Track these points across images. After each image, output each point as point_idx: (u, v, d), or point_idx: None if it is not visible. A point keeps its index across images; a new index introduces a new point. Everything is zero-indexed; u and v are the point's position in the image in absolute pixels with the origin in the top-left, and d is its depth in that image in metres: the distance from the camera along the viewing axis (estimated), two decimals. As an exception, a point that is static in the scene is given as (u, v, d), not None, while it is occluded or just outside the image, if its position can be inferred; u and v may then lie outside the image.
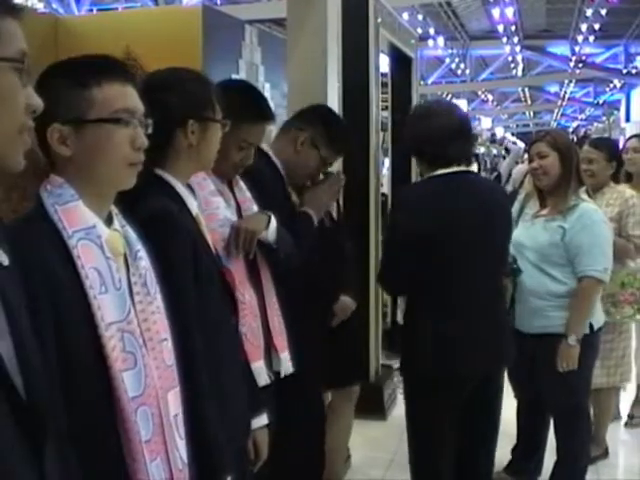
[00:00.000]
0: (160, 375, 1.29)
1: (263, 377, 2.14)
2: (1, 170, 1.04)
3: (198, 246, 1.71)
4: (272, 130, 2.80)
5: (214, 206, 2.03)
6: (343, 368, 3.18)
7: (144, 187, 1.58)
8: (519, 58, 27.36)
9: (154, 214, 1.64)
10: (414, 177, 5.31)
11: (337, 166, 3.44)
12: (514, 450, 3.63)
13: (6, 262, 1.03)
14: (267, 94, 4.41)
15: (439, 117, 2.71)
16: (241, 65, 4.27)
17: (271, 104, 2.38)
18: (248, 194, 2.26)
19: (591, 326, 3.16)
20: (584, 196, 3.21)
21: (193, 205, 1.79)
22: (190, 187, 1.85)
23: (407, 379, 2.83)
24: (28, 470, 0.95)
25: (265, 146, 2.64)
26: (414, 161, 5.17)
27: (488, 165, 17.08)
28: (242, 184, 2.26)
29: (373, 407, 4.32)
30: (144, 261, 1.35)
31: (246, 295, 2.09)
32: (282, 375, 2.27)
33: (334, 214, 3.14)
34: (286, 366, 2.27)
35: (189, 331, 1.63)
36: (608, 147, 3.95)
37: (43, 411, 0.99)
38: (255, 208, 2.24)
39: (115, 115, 1.32)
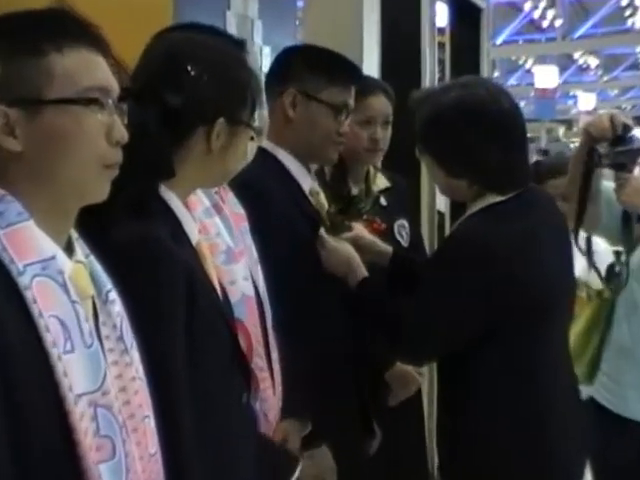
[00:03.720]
0: (144, 468, 1.17)
1: None
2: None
3: (196, 288, 1.56)
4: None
5: (213, 232, 1.85)
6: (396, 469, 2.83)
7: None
8: (638, 0, 24.76)
9: (134, 240, 1.51)
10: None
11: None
12: None
13: None
14: (266, 61, 4.03)
15: (495, 105, 2.26)
16: (229, 19, 3.81)
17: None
18: (241, 210, 2.08)
19: None
20: None
21: (193, 231, 1.68)
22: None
23: None
24: None
25: (266, 143, 2.43)
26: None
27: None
28: (232, 196, 2.11)
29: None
30: (117, 306, 1.22)
31: (263, 360, 1.94)
32: None
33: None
34: None
35: (175, 409, 1.46)
36: None
37: None
38: (246, 225, 2.09)
39: (85, 94, 1.17)
